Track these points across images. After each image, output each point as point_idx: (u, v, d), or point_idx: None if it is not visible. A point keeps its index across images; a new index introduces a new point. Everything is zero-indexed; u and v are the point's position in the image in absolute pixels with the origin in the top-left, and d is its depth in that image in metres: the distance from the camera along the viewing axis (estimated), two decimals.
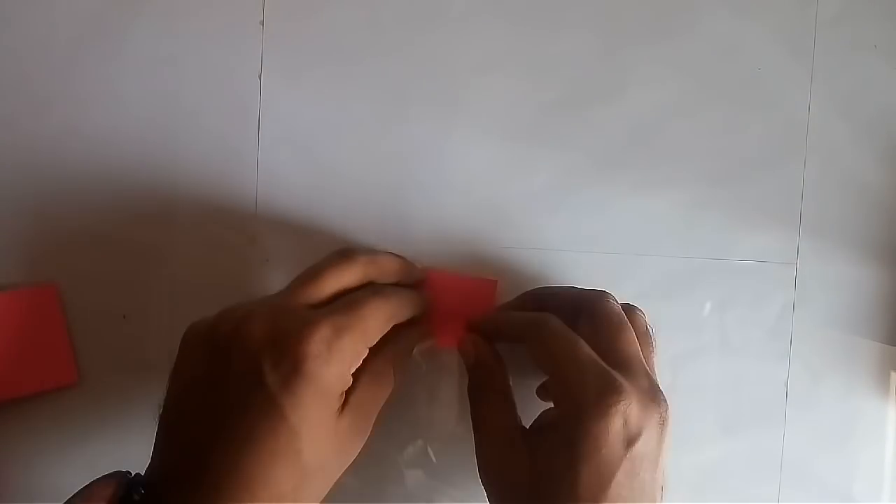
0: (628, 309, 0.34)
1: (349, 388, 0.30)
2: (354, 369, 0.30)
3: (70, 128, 0.36)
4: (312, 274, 0.32)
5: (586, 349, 0.31)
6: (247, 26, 0.37)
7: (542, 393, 0.36)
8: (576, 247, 0.38)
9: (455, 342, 0.36)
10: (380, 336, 0.31)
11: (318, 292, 0.31)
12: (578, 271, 0.38)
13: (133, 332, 0.37)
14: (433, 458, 0.38)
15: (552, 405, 0.32)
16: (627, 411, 0.29)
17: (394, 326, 0.32)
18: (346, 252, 0.33)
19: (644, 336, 0.34)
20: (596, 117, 0.38)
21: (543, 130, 0.38)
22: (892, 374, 0.39)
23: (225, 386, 0.29)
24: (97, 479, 0.29)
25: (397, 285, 0.34)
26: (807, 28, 0.39)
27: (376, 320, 0.31)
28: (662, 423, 0.30)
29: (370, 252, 0.34)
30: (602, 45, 0.38)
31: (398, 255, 0.36)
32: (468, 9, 0.38)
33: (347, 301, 0.31)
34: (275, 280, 0.37)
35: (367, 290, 0.32)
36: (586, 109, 0.38)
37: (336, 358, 0.29)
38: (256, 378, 0.28)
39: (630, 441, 0.29)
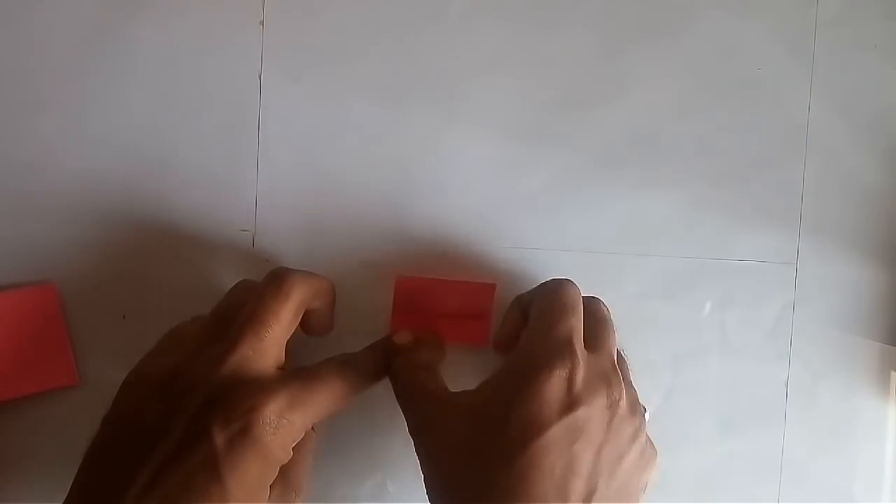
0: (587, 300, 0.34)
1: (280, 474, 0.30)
2: (295, 444, 0.30)
3: (70, 127, 0.36)
4: (263, 318, 0.30)
5: (576, 320, 0.31)
6: (247, 26, 0.37)
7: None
8: (576, 247, 0.38)
9: (452, 341, 0.36)
10: (329, 414, 0.31)
11: (274, 340, 0.30)
12: (578, 271, 0.38)
13: (133, 332, 0.37)
14: (391, 491, 0.38)
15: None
16: (572, 377, 0.29)
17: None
18: (281, 287, 0.31)
19: (623, 363, 0.34)
20: (596, 117, 0.38)
21: (543, 130, 0.38)
22: (892, 374, 0.39)
23: (168, 435, 0.28)
24: None
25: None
26: (807, 28, 0.39)
27: (331, 400, 0.31)
28: (613, 407, 0.30)
29: (303, 274, 0.32)
30: (602, 45, 0.38)
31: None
32: (468, 9, 0.38)
33: (309, 373, 0.31)
34: None
35: (332, 364, 0.31)
36: (586, 109, 0.38)
37: (284, 431, 0.29)
38: (203, 433, 0.28)
39: (569, 406, 0.29)
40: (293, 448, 0.30)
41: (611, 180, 0.38)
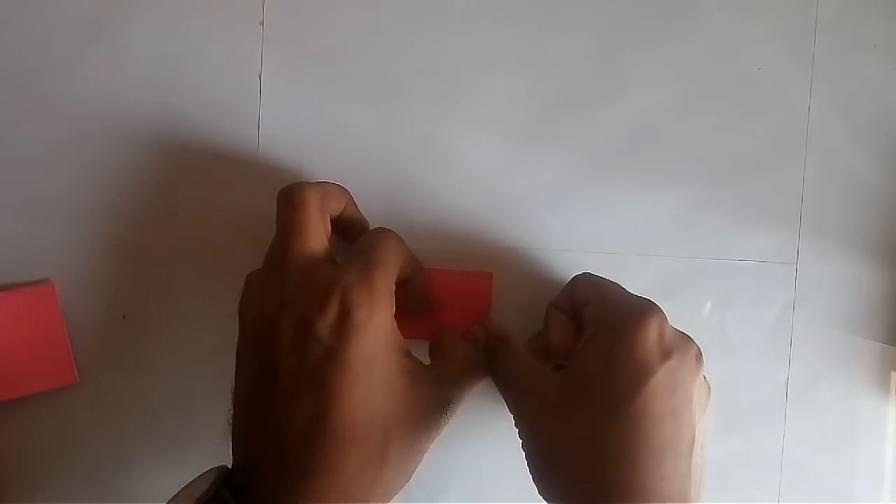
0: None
1: (435, 359, 0.32)
2: (392, 304, 0.30)
3: (70, 127, 0.36)
4: (296, 227, 0.31)
5: (633, 295, 0.32)
6: (247, 26, 0.37)
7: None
8: (576, 247, 0.38)
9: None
10: (398, 267, 0.32)
11: (316, 239, 0.31)
12: (578, 271, 0.38)
13: (133, 332, 0.37)
14: (412, 483, 0.38)
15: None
16: (662, 326, 0.30)
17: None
18: (292, 198, 0.32)
19: None
20: (596, 117, 0.38)
21: (544, 130, 0.38)
22: (892, 374, 0.39)
23: (280, 357, 0.29)
24: (199, 475, 0.29)
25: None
26: (807, 28, 0.39)
27: (397, 255, 0.32)
28: (699, 360, 0.31)
29: (308, 183, 0.33)
30: (602, 46, 0.38)
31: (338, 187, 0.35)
32: (468, 9, 0.38)
33: (359, 246, 0.31)
34: None
35: (374, 231, 0.33)
36: (586, 109, 0.38)
37: (375, 297, 0.29)
38: (308, 336, 0.28)
39: (665, 353, 0.29)
40: (444, 358, 0.32)
41: (611, 180, 0.38)
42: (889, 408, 0.39)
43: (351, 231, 0.35)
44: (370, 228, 0.35)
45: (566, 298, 0.35)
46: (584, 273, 0.36)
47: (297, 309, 0.29)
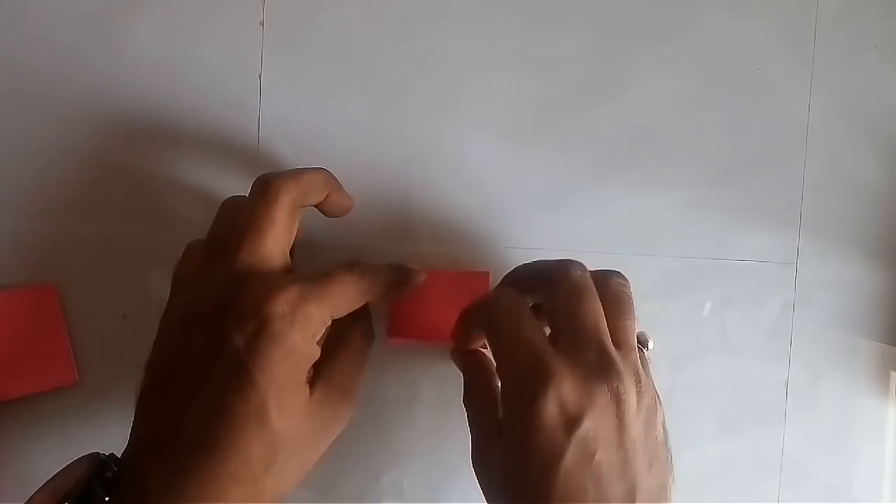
0: (599, 276, 0.32)
1: (319, 364, 0.30)
2: (319, 338, 0.30)
3: (70, 128, 0.36)
4: (258, 225, 0.30)
5: (525, 328, 0.30)
6: (247, 26, 0.37)
7: None
8: (576, 247, 0.38)
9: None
10: (347, 311, 0.31)
11: (274, 243, 0.30)
12: None
13: (133, 332, 0.37)
14: (407, 488, 0.38)
15: None
16: (561, 394, 0.28)
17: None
18: (267, 192, 0.30)
19: (616, 303, 0.31)
20: (596, 117, 0.38)
21: (543, 130, 0.38)
22: (892, 374, 0.39)
23: (194, 355, 0.29)
24: (72, 462, 0.29)
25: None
26: (807, 28, 0.39)
27: (344, 296, 0.30)
28: (616, 396, 0.28)
29: (287, 175, 0.31)
30: (602, 45, 0.38)
31: (321, 170, 0.33)
32: (468, 9, 0.38)
33: (319, 272, 0.30)
34: None
35: (342, 266, 0.31)
36: (586, 109, 0.38)
37: (301, 322, 0.28)
38: (223, 340, 0.28)
39: (570, 425, 0.27)
40: (334, 348, 0.31)
41: (611, 180, 0.38)
42: (889, 408, 0.39)
43: (336, 211, 0.34)
44: (343, 262, 0.32)
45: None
46: (487, 304, 0.32)
47: (224, 310, 0.28)
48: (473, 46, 0.38)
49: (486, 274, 0.37)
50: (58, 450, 0.37)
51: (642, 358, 0.32)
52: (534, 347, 0.29)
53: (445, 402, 0.38)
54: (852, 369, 0.39)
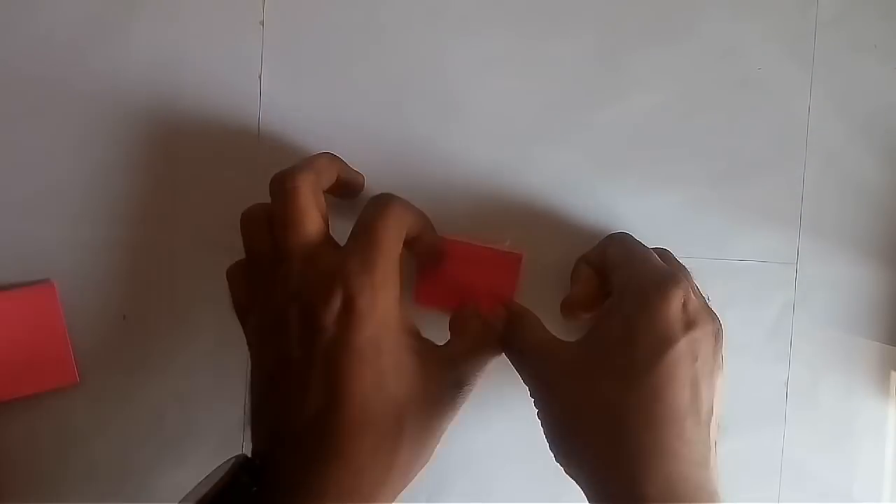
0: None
1: (447, 343, 0.32)
2: (398, 296, 0.30)
3: (70, 128, 0.36)
4: (293, 218, 0.31)
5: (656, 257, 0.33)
6: (247, 26, 0.37)
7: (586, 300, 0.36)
8: (576, 247, 0.38)
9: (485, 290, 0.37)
10: (400, 243, 0.31)
11: (313, 226, 0.31)
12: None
13: (133, 332, 0.37)
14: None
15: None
16: (688, 297, 0.30)
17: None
18: (285, 186, 0.31)
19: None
20: (596, 117, 0.38)
21: (543, 131, 0.38)
22: (892, 373, 0.39)
23: (289, 349, 0.29)
24: (217, 468, 0.29)
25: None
26: (806, 28, 0.39)
27: (393, 238, 0.31)
28: (716, 333, 0.31)
29: (299, 166, 0.32)
30: (602, 45, 0.38)
31: (329, 156, 0.35)
32: (468, 9, 0.38)
33: (361, 228, 0.31)
34: None
35: (369, 207, 0.32)
36: (587, 109, 0.38)
37: (379, 284, 0.29)
38: (315, 328, 0.28)
39: (688, 325, 0.30)
40: (458, 335, 0.33)
41: (611, 181, 0.38)
42: (889, 408, 0.39)
43: (348, 191, 0.35)
44: (371, 196, 0.34)
45: (598, 254, 0.35)
46: (620, 233, 0.36)
47: (302, 300, 0.29)
48: (474, 46, 0.38)
49: (518, 257, 0.37)
50: (58, 450, 0.37)
51: None
52: (671, 270, 0.32)
53: None
54: (852, 369, 0.39)
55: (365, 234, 0.30)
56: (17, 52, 0.36)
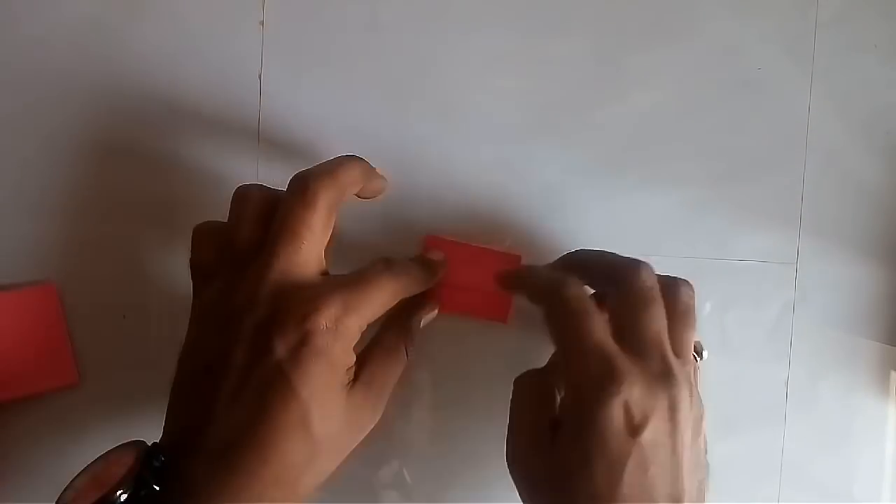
0: (668, 283, 0.33)
1: (360, 364, 0.31)
2: (355, 344, 0.30)
3: (70, 128, 0.36)
4: (295, 230, 0.30)
5: (595, 328, 0.30)
6: (247, 26, 0.37)
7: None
8: (576, 247, 0.38)
9: (471, 312, 0.37)
10: (382, 312, 0.31)
11: (311, 248, 0.30)
12: None
13: (133, 332, 0.37)
14: (408, 480, 0.38)
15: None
16: (629, 399, 0.29)
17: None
18: (305, 194, 0.30)
19: (680, 314, 0.32)
20: (596, 117, 0.38)
21: (544, 131, 0.38)
22: (892, 373, 0.39)
23: (232, 358, 0.29)
24: (115, 448, 0.29)
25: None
26: (807, 28, 0.39)
27: (383, 300, 0.31)
28: (673, 405, 0.29)
29: (326, 175, 0.31)
30: (602, 45, 0.38)
31: (355, 159, 0.33)
32: (468, 9, 0.38)
33: (358, 277, 0.30)
34: None
35: (377, 266, 0.31)
36: (587, 110, 0.38)
37: (343, 335, 0.29)
38: (265, 350, 0.28)
39: (635, 430, 0.29)
40: (370, 349, 0.32)
41: (611, 181, 0.38)
42: (889, 408, 0.39)
43: (369, 196, 0.35)
44: (374, 260, 0.33)
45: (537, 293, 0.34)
46: (556, 282, 0.32)
47: (263, 316, 0.29)
48: (474, 46, 0.38)
49: (517, 257, 0.37)
50: (58, 450, 0.37)
51: (695, 368, 0.33)
52: (604, 349, 0.30)
53: (448, 392, 0.38)
54: (852, 369, 0.39)
55: (355, 288, 0.30)
56: (18, 51, 0.36)
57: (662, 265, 0.38)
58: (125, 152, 0.37)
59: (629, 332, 0.31)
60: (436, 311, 0.36)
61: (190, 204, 0.37)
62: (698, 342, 0.34)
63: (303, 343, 0.28)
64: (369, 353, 0.32)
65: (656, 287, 0.32)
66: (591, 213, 0.38)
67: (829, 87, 0.39)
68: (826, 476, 0.39)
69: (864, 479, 0.40)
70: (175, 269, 0.37)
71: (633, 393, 0.29)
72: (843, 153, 0.39)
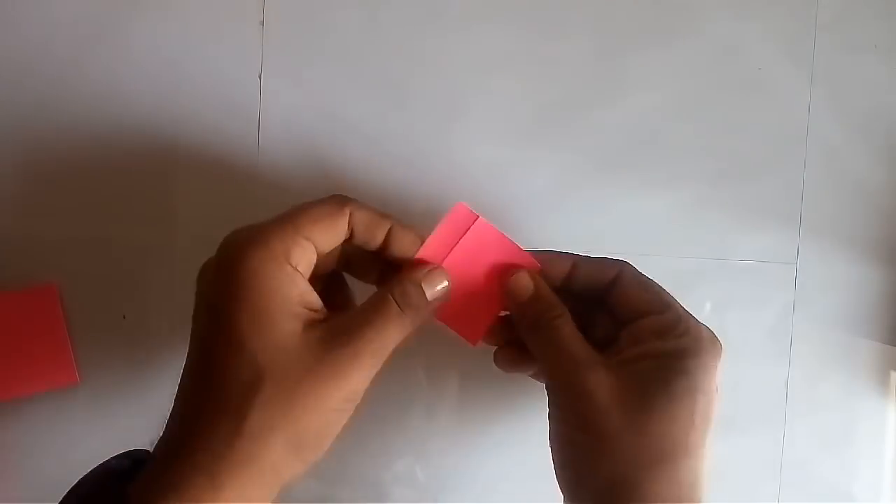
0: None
1: (337, 312, 0.29)
2: (304, 270, 0.29)
3: (71, 128, 0.36)
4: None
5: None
6: (247, 26, 0.37)
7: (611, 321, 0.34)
8: (576, 247, 0.38)
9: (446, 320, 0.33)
10: (328, 242, 0.29)
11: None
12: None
13: (133, 332, 0.37)
14: (420, 477, 0.38)
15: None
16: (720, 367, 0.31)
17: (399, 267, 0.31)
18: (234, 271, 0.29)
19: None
20: (596, 118, 0.38)
21: (544, 131, 0.38)
22: (892, 374, 0.39)
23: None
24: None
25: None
26: (807, 28, 0.39)
27: (316, 218, 0.29)
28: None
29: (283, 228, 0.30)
30: (602, 46, 0.38)
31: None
32: (468, 9, 0.38)
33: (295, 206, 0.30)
34: None
35: (331, 199, 0.30)
36: (587, 110, 0.38)
37: (262, 244, 0.28)
38: (202, 294, 0.29)
39: (716, 390, 0.31)
40: (354, 309, 0.30)
41: (611, 181, 0.38)
42: (889, 408, 0.39)
43: (371, 247, 0.31)
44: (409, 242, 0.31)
45: (596, 269, 0.34)
46: (630, 269, 0.34)
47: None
48: (474, 47, 0.38)
49: (536, 265, 0.34)
50: (58, 450, 0.37)
51: None
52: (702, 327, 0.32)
53: (465, 389, 0.38)
54: (852, 369, 0.39)
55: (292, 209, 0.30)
56: (18, 52, 0.36)
57: (662, 265, 0.38)
58: (125, 152, 0.37)
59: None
60: (446, 283, 0.32)
61: (190, 203, 0.37)
62: None
63: (223, 269, 0.28)
64: (353, 305, 0.31)
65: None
66: (592, 214, 0.38)
67: (829, 87, 0.39)
68: (826, 476, 0.39)
69: (864, 479, 0.40)
70: (175, 269, 0.37)
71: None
72: (843, 153, 0.39)
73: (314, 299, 0.29)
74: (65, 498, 0.28)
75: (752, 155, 0.39)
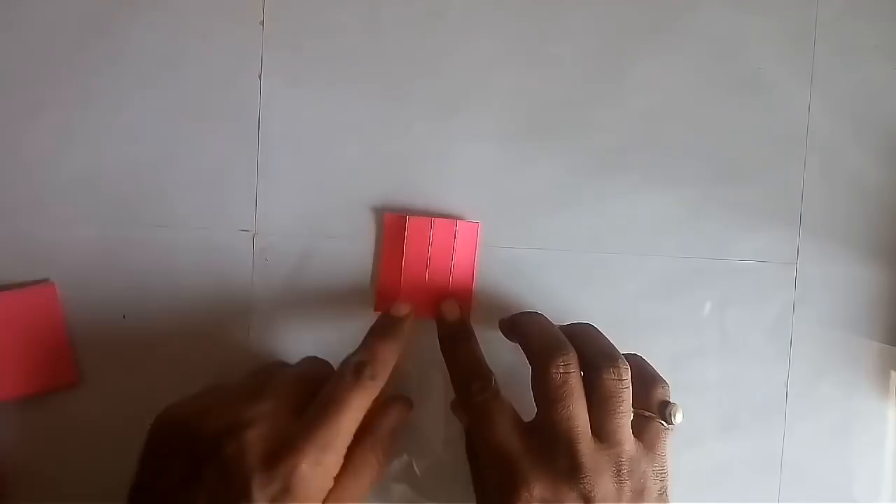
0: (592, 369, 0.32)
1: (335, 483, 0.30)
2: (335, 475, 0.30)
3: (70, 128, 0.36)
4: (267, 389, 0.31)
5: (500, 428, 0.31)
6: (247, 26, 0.37)
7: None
8: (576, 247, 0.38)
9: (445, 279, 0.37)
10: (353, 430, 0.31)
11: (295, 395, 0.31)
12: (578, 271, 0.38)
13: (133, 332, 0.37)
14: (418, 473, 0.38)
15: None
16: (531, 501, 0.29)
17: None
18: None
19: (603, 402, 0.32)
20: (596, 117, 0.38)
21: (543, 130, 0.38)
22: (892, 373, 0.39)
23: (201, 494, 0.28)
24: None
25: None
26: (807, 28, 0.39)
27: (355, 420, 0.31)
28: (585, 497, 0.30)
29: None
30: (602, 45, 0.38)
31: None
32: (468, 9, 0.38)
33: (327, 404, 0.30)
34: (274, 280, 0.37)
35: (345, 383, 0.31)
36: (586, 109, 0.38)
37: (321, 474, 0.29)
38: (243, 495, 0.28)
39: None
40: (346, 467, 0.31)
41: (611, 180, 0.38)
42: (889, 408, 0.39)
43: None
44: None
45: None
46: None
47: (251, 468, 0.28)
48: (473, 46, 0.38)
49: (475, 226, 0.37)
50: (58, 450, 0.37)
51: (653, 433, 0.32)
52: (506, 450, 0.31)
53: None
54: (852, 369, 0.39)
55: (325, 420, 0.30)
56: (17, 51, 0.36)
57: (662, 265, 0.38)
58: (125, 152, 0.37)
59: (538, 426, 0.31)
60: (408, 413, 0.36)
61: (190, 204, 0.37)
62: (673, 405, 0.33)
63: (283, 491, 0.28)
64: (343, 471, 0.31)
65: (571, 380, 0.31)
66: (591, 213, 0.38)
67: (830, 86, 0.39)
68: (826, 476, 0.39)
69: (864, 479, 0.40)
70: (175, 268, 0.37)
71: (533, 494, 0.29)
72: (844, 153, 0.39)
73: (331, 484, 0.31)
74: None
75: (752, 155, 0.39)
